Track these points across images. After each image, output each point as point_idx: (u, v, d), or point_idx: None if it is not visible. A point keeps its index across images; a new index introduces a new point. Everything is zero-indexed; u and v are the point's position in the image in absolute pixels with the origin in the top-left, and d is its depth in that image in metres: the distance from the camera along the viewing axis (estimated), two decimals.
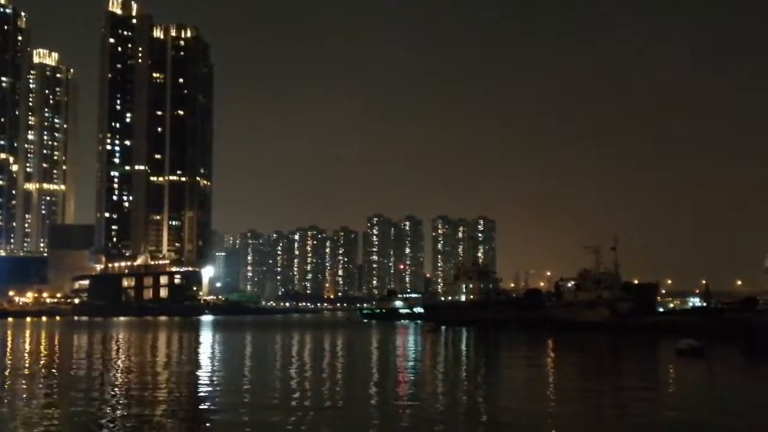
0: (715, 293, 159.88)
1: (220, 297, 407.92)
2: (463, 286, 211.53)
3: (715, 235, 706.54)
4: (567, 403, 37.83)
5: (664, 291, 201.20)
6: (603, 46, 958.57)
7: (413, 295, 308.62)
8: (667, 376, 54.17)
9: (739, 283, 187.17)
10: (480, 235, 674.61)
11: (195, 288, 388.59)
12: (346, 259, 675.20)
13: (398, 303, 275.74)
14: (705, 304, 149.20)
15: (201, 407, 35.97)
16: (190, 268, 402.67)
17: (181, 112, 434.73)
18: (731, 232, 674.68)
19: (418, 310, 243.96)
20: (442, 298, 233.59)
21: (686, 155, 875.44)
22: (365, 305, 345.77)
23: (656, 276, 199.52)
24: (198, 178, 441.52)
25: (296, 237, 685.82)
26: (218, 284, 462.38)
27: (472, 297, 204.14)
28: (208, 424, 31.50)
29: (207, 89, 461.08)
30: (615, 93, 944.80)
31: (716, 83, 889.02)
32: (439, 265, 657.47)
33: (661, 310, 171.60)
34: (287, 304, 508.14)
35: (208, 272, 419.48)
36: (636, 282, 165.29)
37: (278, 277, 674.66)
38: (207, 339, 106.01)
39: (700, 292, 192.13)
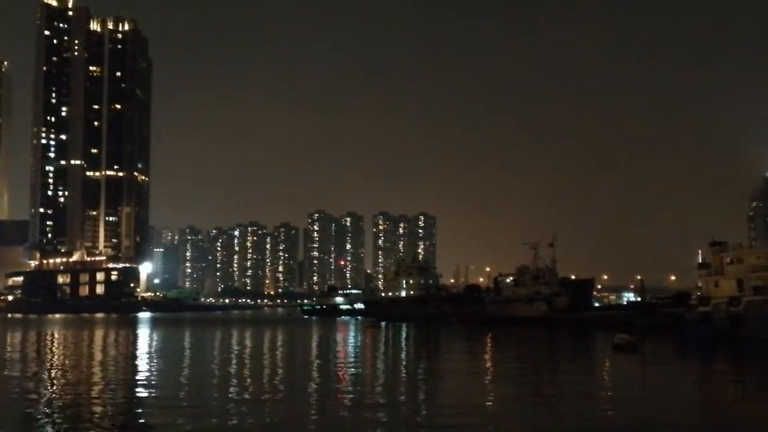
0: (650, 288, 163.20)
1: (158, 294, 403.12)
2: (404, 282, 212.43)
3: (650, 232, 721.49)
4: (503, 397, 38.32)
5: (600, 286, 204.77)
6: (546, 43, 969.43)
7: (354, 292, 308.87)
8: (602, 370, 55.40)
9: (673, 278, 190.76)
10: (420, 231, 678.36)
11: (132, 285, 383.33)
12: (286, 255, 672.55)
13: (339, 299, 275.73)
14: (639, 299, 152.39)
15: (137, 407, 35.52)
16: (128, 265, 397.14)
17: (118, 107, 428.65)
18: (665, 229, 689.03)
19: (359, 306, 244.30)
20: (383, 294, 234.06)
21: (624, 153, 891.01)
22: (306, 301, 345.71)
23: (593, 272, 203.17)
24: (135, 174, 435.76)
25: (236, 233, 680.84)
26: (156, 281, 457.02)
27: (412, 293, 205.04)
28: (142, 420, 31.18)
29: (145, 84, 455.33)
30: (557, 90, 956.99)
31: (653, 83, 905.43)
32: (379, 261, 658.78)
33: (597, 305, 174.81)
34: (227, 301, 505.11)
35: (145, 269, 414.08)
36: (573, 277, 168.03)
37: (218, 274, 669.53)
38: (145, 336, 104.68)
39: (634, 288, 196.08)
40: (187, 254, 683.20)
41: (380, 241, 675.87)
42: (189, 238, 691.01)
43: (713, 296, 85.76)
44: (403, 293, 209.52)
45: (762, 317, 77.69)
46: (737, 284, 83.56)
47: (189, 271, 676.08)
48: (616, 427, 29.58)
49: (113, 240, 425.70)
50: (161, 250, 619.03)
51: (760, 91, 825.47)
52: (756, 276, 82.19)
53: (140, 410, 34.08)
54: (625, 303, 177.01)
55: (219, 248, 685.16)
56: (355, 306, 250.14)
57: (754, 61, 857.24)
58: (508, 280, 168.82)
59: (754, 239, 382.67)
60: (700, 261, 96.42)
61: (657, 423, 30.46)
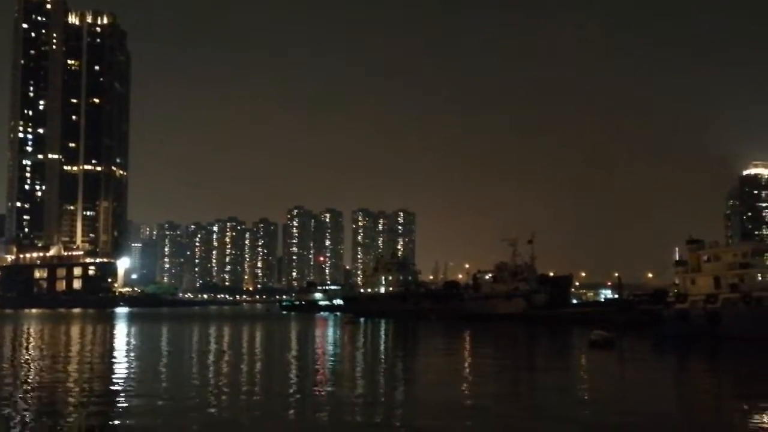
0: (627, 286, 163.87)
1: (136, 289, 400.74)
2: (383, 278, 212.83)
3: (628, 230, 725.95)
4: (480, 394, 38.35)
5: (578, 283, 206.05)
6: (524, 41, 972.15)
7: (333, 287, 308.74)
8: (580, 367, 55.62)
9: (650, 276, 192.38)
10: (400, 227, 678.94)
11: (110, 280, 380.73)
12: (265, 251, 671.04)
13: (318, 295, 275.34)
14: (617, 297, 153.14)
15: (115, 403, 35.25)
16: (105, 260, 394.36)
17: (96, 100, 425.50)
18: (643, 227, 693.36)
19: (338, 302, 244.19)
20: (362, 290, 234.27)
21: (604, 152, 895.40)
22: (285, 297, 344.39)
23: (571, 269, 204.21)
24: (114, 168, 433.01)
25: (215, 228, 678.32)
26: (134, 276, 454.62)
27: (391, 289, 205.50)
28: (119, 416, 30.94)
29: (124, 78, 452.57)
30: (537, 89, 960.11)
31: (635, 81, 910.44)
32: (359, 257, 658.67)
33: (575, 301, 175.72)
34: (205, 296, 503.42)
35: (123, 264, 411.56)
36: (551, 274, 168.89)
37: (196, 269, 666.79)
38: (122, 331, 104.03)
39: (612, 285, 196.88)
40: (166, 249, 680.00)
41: (359, 237, 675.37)
42: (167, 233, 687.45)
43: (690, 293, 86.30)
44: (382, 289, 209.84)
45: (738, 315, 78.31)
46: (714, 282, 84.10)
47: (167, 266, 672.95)
48: (593, 423, 29.64)
49: (91, 235, 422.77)
50: (139, 245, 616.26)
51: (732, 91, 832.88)
52: (732, 273, 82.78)
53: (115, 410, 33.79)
54: (602, 300, 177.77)
55: (197, 243, 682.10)
56: (334, 302, 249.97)
57: (731, 61, 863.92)
58: (486, 277, 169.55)
59: (730, 237, 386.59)
60: (678, 258, 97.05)
61: (632, 418, 30.57)
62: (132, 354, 64.62)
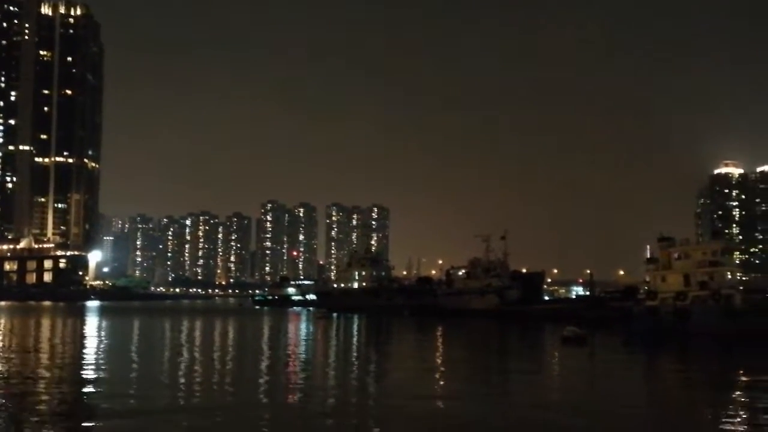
0: (599, 283, 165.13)
1: (107, 282, 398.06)
2: (356, 273, 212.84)
3: (601, 228, 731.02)
4: (451, 389, 38.57)
5: (550, 280, 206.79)
6: (503, 38, 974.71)
7: (306, 282, 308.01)
8: (551, 362, 56.12)
9: (621, 273, 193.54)
10: (374, 222, 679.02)
11: (81, 273, 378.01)
12: (238, 245, 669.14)
13: (291, 290, 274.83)
14: (588, 293, 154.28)
15: (85, 399, 35.06)
16: (76, 253, 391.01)
17: (68, 92, 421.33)
18: (616, 225, 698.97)
19: (311, 297, 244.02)
20: (335, 286, 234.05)
21: (578, 150, 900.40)
22: (257, 292, 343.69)
23: (543, 265, 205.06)
24: (86, 160, 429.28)
25: (188, 222, 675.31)
26: (105, 269, 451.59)
27: (364, 284, 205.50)
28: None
29: (97, 69, 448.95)
30: (511, 87, 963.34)
31: (611, 82, 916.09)
32: (332, 252, 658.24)
33: (548, 298, 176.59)
34: (177, 290, 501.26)
35: (95, 257, 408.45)
36: (524, 271, 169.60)
37: (168, 263, 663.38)
38: (93, 325, 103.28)
39: (584, 282, 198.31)
40: (138, 243, 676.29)
41: (333, 233, 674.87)
42: (140, 226, 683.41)
43: (660, 291, 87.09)
44: (356, 284, 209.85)
45: (707, 312, 79.20)
46: (684, 279, 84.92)
47: (139, 259, 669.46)
48: (563, 417, 29.91)
49: (62, 227, 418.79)
50: (111, 238, 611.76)
51: (707, 91, 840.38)
52: (702, 271, 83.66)
53: (84, 404, 33.59)
54: (574, 297, 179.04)
55: (170, 237, 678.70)
56: (307, 297, 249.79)
57: (701, 60, 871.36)
58: (460, 273, 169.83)
59: (701, 235, 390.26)
60: (649, 256, 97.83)
61: (601, 412, 30.93)
62: (102, 348, 64.12)
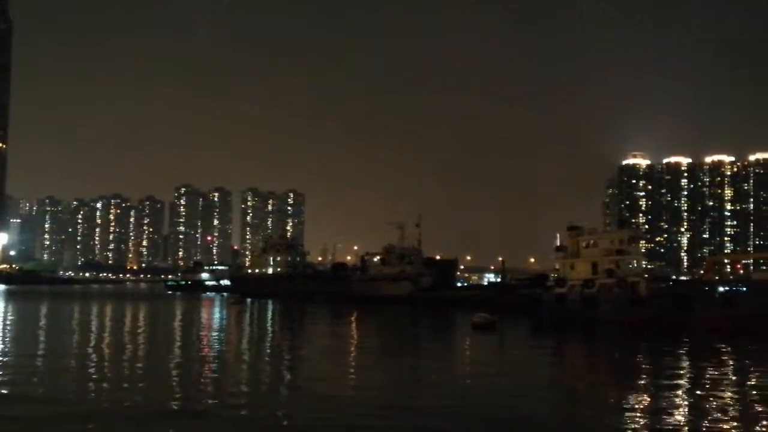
0: (511, 270, 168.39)
1: (13, 266, 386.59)
2: (271, 258, 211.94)
3: (514, 216, 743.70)
4: (361, 377, 38.94)
5: (463, 267, 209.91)
6: (409, 24, 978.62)
7: (220, 267, 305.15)
8: (461, 348, 57.10)
9: (532, 260, 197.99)
10: (289, 208, 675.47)
11: None
12: (151, 230, 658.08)
13: (204, 275, 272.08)
14: (500, 280, 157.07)
15: None
16: None
17: None
18: (529, 213, 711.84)
19: (225, 282, 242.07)
20: (249, 271, 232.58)
21: (492, 137, 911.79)
22: (170, 277, 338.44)
23: (457, 252, 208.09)
24: None
25: (98, 205, 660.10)
26: (12, 252, 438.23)
27: (279, 270, 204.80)
28: None
29: (5, 47, 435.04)
30: (426, 72, 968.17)
31: (525, 73, 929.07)
32: (247, 237, 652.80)
33: (460, 285, 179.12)
34: (87, 275, 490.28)
35: (1, 240, 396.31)
36: (438, 258, 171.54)
37: (78, 247, 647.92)
38: None
39: (496, 269, 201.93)
40: (46, 226, 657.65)
41: (248, 218, 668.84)
42: (48, 209, 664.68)
43: (569, 278, 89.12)
44: (270, 270, 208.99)
45: (613, 299, 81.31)
46: (592, 267, 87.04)
47: (47, 243, 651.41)
48: (470, 404, 30.49)
49: None
50: (18, 221, 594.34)
51: (621, 85, 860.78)
52: (609, 259, 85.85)
53: None
54: (486, 283, 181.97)
55: (80, 220, 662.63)
56: (222, 282, 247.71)
57: (622, 55, 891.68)
58: (375, 259, 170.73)
59: (608, 224, 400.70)
60: (558, 244, 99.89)
61: (506, 398, 31.71)
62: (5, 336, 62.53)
